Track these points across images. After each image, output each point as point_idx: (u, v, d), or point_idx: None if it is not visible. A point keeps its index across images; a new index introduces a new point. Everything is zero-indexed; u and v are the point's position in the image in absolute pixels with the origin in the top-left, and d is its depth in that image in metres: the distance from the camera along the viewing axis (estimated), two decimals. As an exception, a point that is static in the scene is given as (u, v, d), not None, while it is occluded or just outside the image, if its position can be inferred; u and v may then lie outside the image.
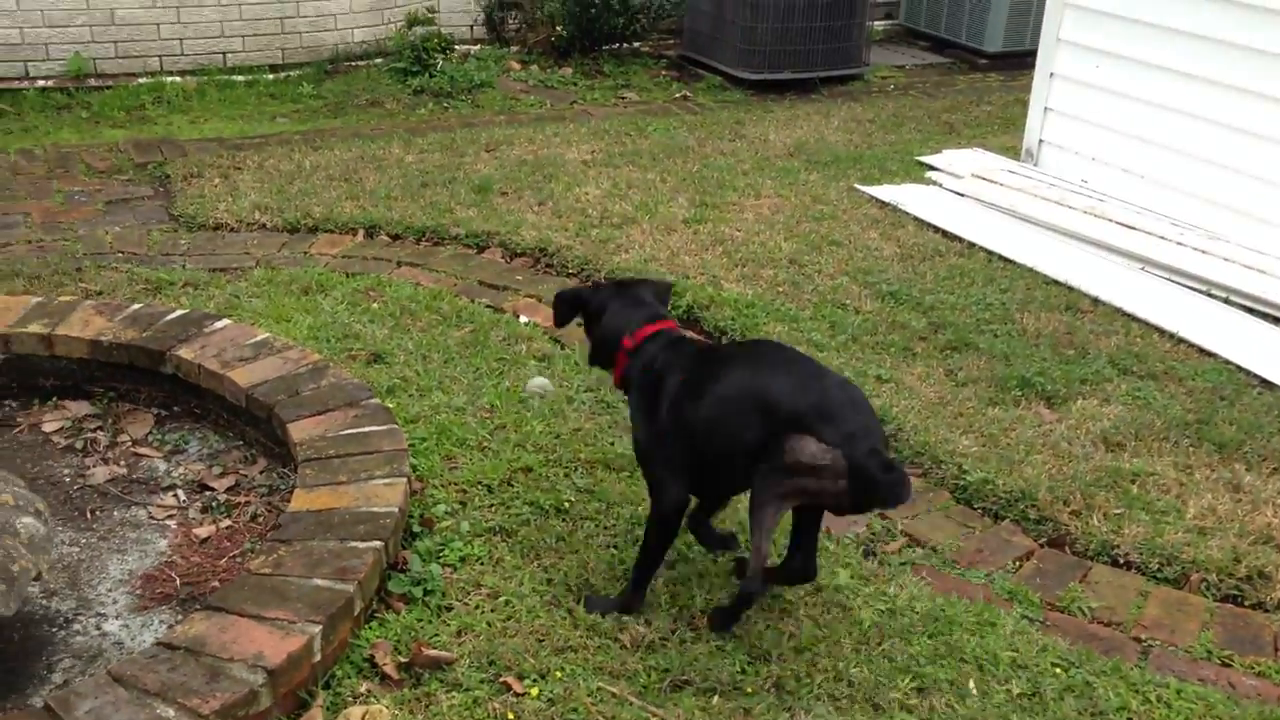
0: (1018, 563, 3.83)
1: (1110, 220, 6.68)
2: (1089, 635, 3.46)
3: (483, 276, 5.72)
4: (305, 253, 5.95)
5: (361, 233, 6.20)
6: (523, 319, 5.25)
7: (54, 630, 3.27)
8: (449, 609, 3.31)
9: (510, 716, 2.90)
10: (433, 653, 3.07)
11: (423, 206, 6.46)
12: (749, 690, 3.03)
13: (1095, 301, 5.74)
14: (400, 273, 5.72)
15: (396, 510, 3.39)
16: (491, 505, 3.81)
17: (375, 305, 5.23)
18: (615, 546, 3.63)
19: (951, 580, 3.67)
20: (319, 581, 3.08)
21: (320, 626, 2.92)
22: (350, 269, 5.72)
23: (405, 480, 3.54)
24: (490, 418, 4.34)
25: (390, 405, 4.32)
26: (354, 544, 3.23)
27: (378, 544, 3.24)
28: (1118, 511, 4.03)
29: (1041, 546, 3.95)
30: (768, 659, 3.17)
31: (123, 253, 5.86)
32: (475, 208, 6.47)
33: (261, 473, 4.03)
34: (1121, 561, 3.86)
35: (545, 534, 3.67)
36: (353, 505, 3.41)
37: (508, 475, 3.97)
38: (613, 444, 4.21)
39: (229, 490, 3.94)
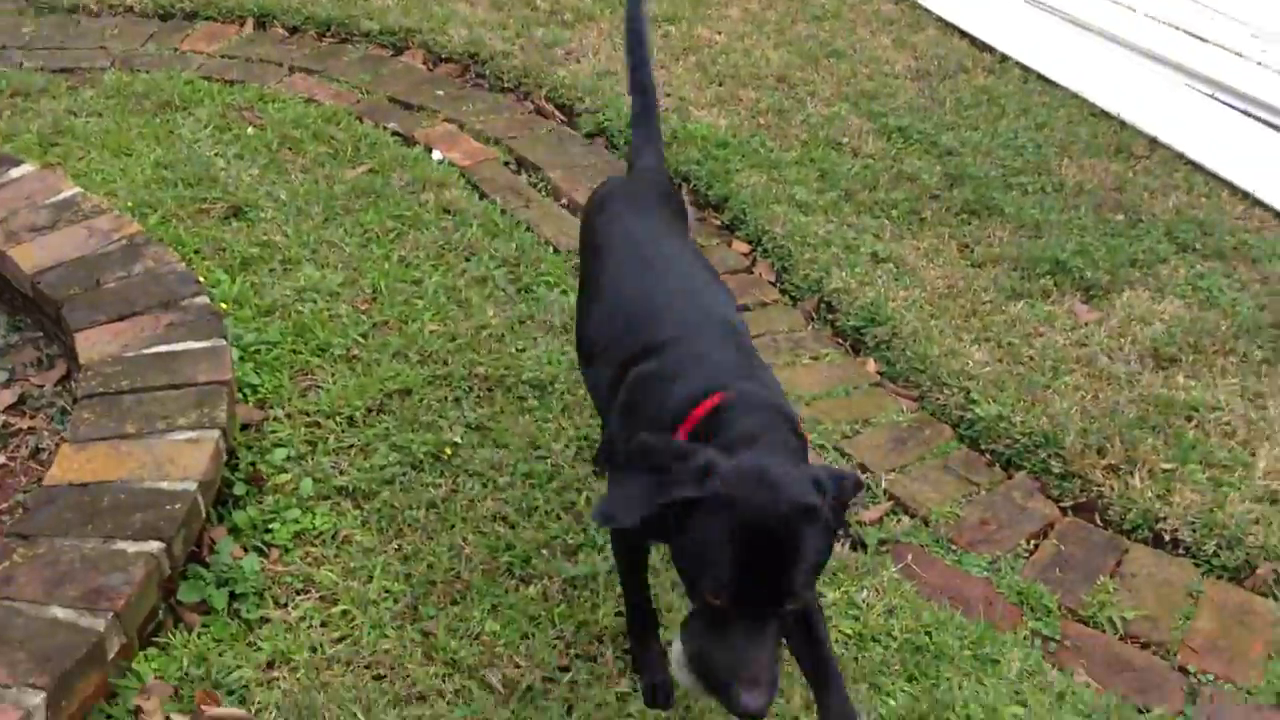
0: (1033, 541, 2.94)
1: (1179, 29, 5.46)
2: (1120, 664, 2.62)
3: (395, 90, 4.59)
4: (176, 49, 4.78)
5: (250, 23, 5.00)
6: (435, 155, 4.17)
7: None
8: (263, 623, 2.45)
9: (315, 820, 2.08)
10: (219, 711, 2.23)
11: (333, -12, 5.23)
12: (653, 778, 2.21)
13: (1152, 144, 4.65)
14: (291, 83, 4.58)
15: (195, 487, 2.47)
16: (349, 448, 2.89)
17: (250, 130, 4.15)
18: (504, 519, 2.74)
19: (944, 573, 2.80)
20: (59, 612, 2.20)
21: (44, 694, 2.06)
22: (228, 74, 4.58)
23: (218, 435, 2.61)
24: (370, 309, 3.36)
25: (241, 285, 3.35)
26: (123, 545, 2.34)
27: (156, 546, 2.34)
28: (1167, 466, 3.11)
29: (1066, 514, 3.06)
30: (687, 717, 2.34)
31: (-51, 43, 4.72)
32: (399, -8, 5.24)
33: (58, 384, 3.09)
34: (1168, 539, 2.98)
35: (414, 498, 2.77)
36: (136, 475, 2.49)
37: (378, 401, 3.03)
38: (522, 350, 3.26)
39: (10, 409, 3.01)
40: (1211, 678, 2.61)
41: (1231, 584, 2.87)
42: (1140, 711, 2.49)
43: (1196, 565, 2.92)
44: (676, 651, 1.79)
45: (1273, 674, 2.62)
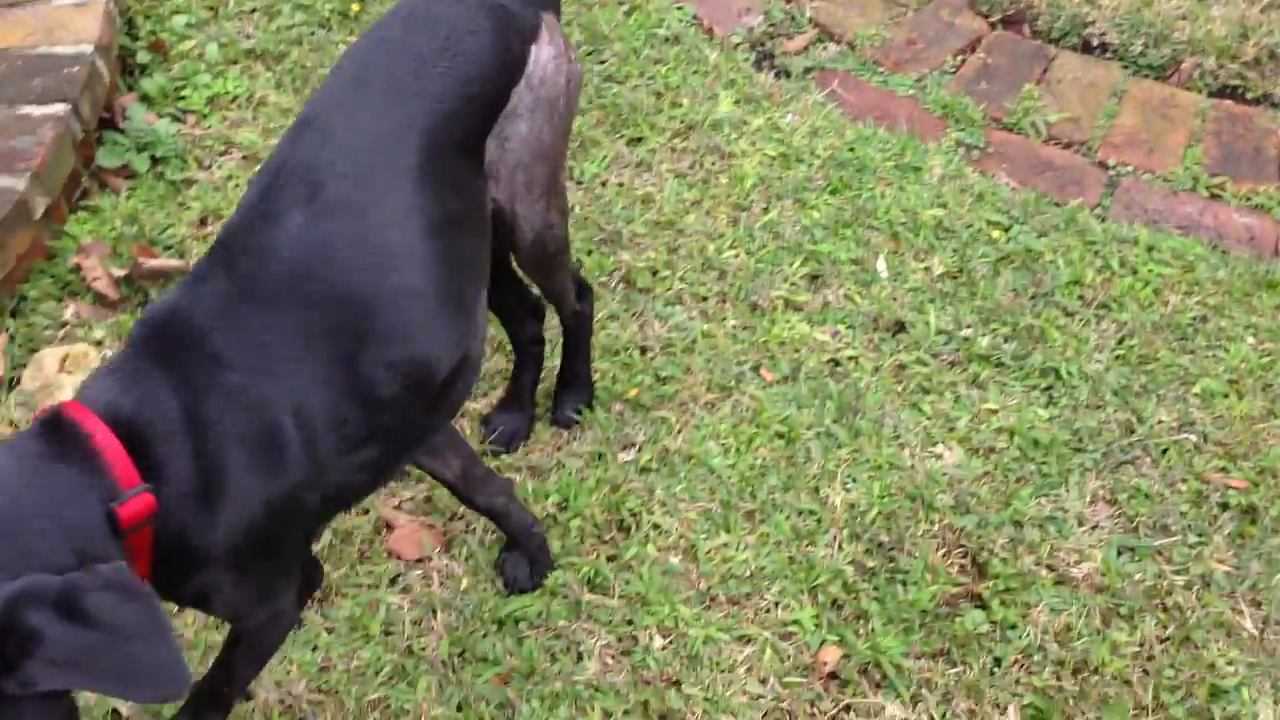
0: (960, 57, 2.92)
1: None
2: (1042, 165, 2.67)
3: None
4: None
5: None
6: None
7: None
8: (189, 184, 2.45)
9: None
10: (157, 262, 2.27)
11: None
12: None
13: None
14: None
15: (91, 50, 2.39)
16: (252, 12, 2.78)
17: None
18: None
19: (870, 94, 2.79)
20: (-25, 177, 2.19)
21: (-22, 250, 2.09)
22: None
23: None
24: None
25: None
26: (27, 110, 2.29)
27: (62, 108, 2.29)
28: (1099, -29, 3.05)
29: (994, 28, 3.02)
30: (618, 239, 2.40)
31: None
32: None
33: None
34: (1096, 44, 2.97)
35: (325, 56, 2.69)
36: (28, 43, 2.40)
37: (278, -40, 2.88)
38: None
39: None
40: (1131, 169, 2.68)
41: (1156, 81, 2.89)
42: (1057, 205, 2.57)
43: (1123, 67, 2.92)
44: None
45: (1190, 160, 2.68)
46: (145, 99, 2.56)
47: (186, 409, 1.29)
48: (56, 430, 1.22)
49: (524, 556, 1.90)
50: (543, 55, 1.64)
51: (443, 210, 1.47)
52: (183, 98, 2.59)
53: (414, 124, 1.47)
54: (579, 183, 2.50)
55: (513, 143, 1.62)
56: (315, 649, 1.80)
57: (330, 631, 1.83)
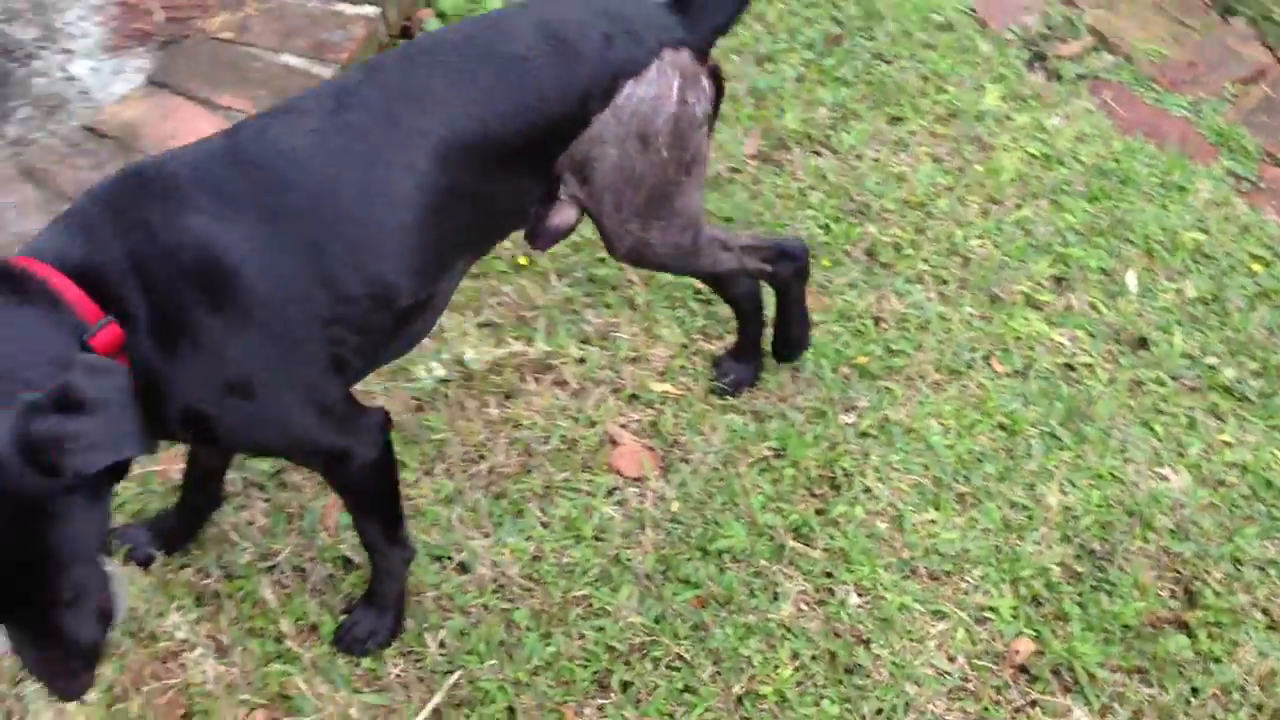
0: (1240, 85, 2.84)
1: None
2: (1313, 210, 2.58)
3: None
4: None
5: None
6: None
7: (13, 66, 2.69)
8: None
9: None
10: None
11: None
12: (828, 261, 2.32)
13: None
14: None
15: (405, -42, 2.55)
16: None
17: None
18: None
19: (1142, 110, 2.74)
20: (290, 60, 2.37)
21: (282, 127, 2.26)
22: None
23: (423, -89, 2.65)
24: None
25: None
26: (341, 7, 2.46)
27: (373, 10, 2.46)
28: None
29: (1281, 63, 2.92)
30: (866, 212, 2.42)
31: None
32: None
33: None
34: (1390, 97, 2.84)
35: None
36: (349, -56, 2.58)
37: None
38: None
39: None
40: None
41: None
42: (1325, 253, 2.47)
43: None
44: None
45: None
46: (441, 15, 2.71)
47: (135, 249, 1.34)
48: (8, 280, 1.29)
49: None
50: (639, 92, 1.63)
51: (454, 183, 1.52)
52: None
53: (460, 110, 1.52)
54: (834, 151, 2.53)
55: (602, 164, 1.65)
56: (530, 539, 1.90)
57: (546, 526, 1.92)
